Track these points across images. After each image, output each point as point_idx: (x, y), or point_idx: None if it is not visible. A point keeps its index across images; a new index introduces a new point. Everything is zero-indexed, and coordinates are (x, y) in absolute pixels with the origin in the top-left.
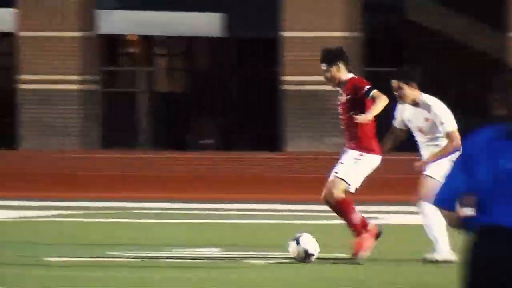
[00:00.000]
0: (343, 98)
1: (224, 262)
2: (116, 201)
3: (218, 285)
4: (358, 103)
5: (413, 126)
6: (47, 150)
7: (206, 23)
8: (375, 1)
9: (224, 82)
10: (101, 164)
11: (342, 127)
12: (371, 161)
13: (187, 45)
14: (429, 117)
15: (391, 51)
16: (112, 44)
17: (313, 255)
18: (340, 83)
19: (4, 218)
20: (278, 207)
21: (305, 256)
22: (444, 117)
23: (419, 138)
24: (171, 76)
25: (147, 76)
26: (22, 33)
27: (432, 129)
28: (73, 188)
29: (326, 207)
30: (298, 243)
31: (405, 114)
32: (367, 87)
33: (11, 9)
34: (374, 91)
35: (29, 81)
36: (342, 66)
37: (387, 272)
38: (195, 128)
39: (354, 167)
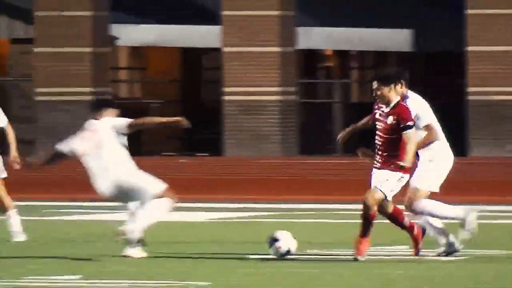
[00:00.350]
0: (387, 119)
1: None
2: (315, 203)
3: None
4: (398, 132)
5: None
6: (249, 156)
7: (395, 39)
8: None
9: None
10: (298, 168)
11: (377, 142)
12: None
13: (377, 59)
14: None
15: None
16: (310, 58)
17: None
18: (388, 103)
19: (209, 219)
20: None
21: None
22: (420, 112)
23: None
24: (363, 87)
25: (342, 88)
26: (227, 49)
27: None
28: (270, 192)
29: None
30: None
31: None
32: (409, 123)
33: (216, 27)
34: (409, 132)
35: (233, 93)
36: (396, 88)
37: None
38: None
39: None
